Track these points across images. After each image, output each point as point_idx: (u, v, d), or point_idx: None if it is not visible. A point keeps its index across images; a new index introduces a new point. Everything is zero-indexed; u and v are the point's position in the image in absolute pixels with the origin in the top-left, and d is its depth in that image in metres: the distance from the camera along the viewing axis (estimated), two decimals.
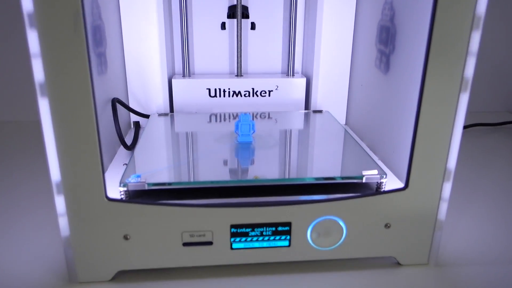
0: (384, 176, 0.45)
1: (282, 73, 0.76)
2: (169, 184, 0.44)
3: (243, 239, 0.42)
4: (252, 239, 0.42)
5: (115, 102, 0.56)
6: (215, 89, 0.70)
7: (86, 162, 0.37)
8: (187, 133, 0.60)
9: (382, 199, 0.42)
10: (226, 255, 0.43)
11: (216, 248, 0.42)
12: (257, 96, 0.72)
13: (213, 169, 0.48)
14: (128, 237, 0.41)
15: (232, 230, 0.42)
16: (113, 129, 0.55)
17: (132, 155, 0.51)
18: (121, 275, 0.44)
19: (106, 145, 0.53)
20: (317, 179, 0.45)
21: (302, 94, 0.72)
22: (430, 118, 0.39)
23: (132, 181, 0.43)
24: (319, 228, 0.42)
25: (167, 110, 0.70)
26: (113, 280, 0.43)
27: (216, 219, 0.41)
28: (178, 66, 0.74)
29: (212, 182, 0.45)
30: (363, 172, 0.46)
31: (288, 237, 0.42)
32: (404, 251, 0.45)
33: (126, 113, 0.69)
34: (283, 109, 0.72)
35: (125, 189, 0.43)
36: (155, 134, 0.59)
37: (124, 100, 0.66)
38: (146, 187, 0.44)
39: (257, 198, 0.44)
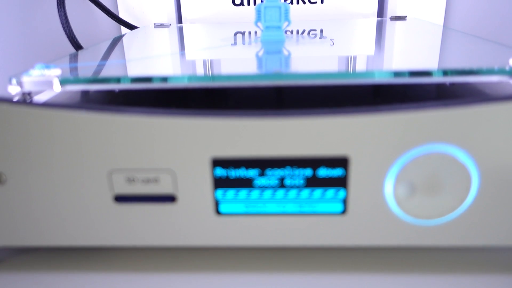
0: None
1: None
2: (105, 80, 0.22)
3: (241, 193, 0.19)
4: (260, 194, 0.19)
5: None
6: None
7: None
8: (182, 41, 0.38)
9: None
10: (205, 229, 0.20)
11: (184, 211, 0.20)
12: (304, 3, 0.48)
13: (193, 65, 0.26)
14: (4, 177, 0.20)
15: (217, 171, 0.19)
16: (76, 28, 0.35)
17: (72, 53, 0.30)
18: (7, 256, 0.23)
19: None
20: (397, 74, 0.22)
21: None
22: None
23: (33, 73, 0.22)
24: (415, 173, 0.18)
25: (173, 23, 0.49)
26: None
27: (182, 144, 0.18)
28: None
29: (184, 78, 0.23)
30: (511, 60, 0.21)
31: (342, 193, 0.19)
32: None
33: (113, 26, 0.49)
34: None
35: (19, 88, 0.22)
36: (134, 41, 0.38)
37: (112, 9, 0.46)
38: (58, 86, 0.22)
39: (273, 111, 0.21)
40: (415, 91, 0.27)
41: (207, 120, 0.18)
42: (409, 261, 0.21)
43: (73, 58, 0.29)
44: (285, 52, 0.29)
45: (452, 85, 0.27)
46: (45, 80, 0.22)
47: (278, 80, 0.23)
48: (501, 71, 0.21)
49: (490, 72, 0.21)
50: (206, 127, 0.18)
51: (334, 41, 0.35)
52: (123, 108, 0.18)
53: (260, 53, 0.30)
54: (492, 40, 0.29)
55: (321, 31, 0.43)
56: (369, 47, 0.33)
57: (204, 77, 0.24)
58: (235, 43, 0.34)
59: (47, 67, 0.23)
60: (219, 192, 0.19)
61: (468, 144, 0.18)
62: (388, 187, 0.19)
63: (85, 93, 0.29)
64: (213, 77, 0.23)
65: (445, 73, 0.22)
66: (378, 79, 0.22)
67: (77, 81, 0.22)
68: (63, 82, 0.22)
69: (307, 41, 0.34)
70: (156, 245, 0.21)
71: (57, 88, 0.22)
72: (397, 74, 0.22)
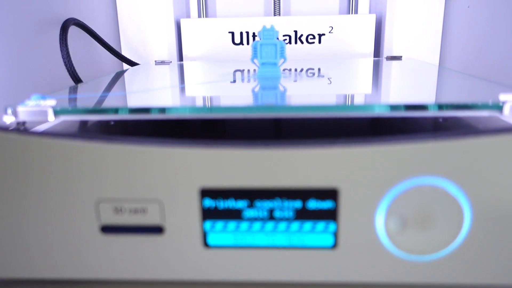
0: None
1: (340, 14, 0.53)
2: (100, 111, 0.23)
3: (230, 225, 0.19)
4: (249, 226, 0.19)
5: (68, 23, 0.36)
6: (241, 33, 0.49)
7: None
8: (182, 77, 0.39)
9: None
10: (193, 261, 0.20)
11: (171, 242, 0.19)
12: (302, 43, 0.49)
13: (187, 100, 0.26)
14: None
15: (206, 202, 0.19)
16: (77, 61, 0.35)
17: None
18: None
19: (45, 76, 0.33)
20: (394, 108, 0.22)
21: (369, 38, 0.48)
22: None
23: (29, 104, 0.23)
24: (406, 206, 0.18)
25: (173, 60, 0.50)
26: None
27: (171, 174, 0.18)
28: (194, 7, 0.53)
29: (180, 109, 0.23)
30: (501, 96, 0.21)
31: (332, 226, 0.19)
32: None
33: (115, 63, 0.50)
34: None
35: (14, 118, 0.22)
36: (133, 76, 0.39)
37: (114, 46, 0.47)
38: (52, 116, 0.22)
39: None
40: (408, 127, 0.28)
41: (196, 150, 0.18)
42: None
43: (72, 90, 0.29)
44: (281, 88, 0.30)
45: (445, 121, 0.27)
46: (40, 110, 0.22)
47: (275, 112, 0.23)
48: (495, 106, 0.21)
49: (484, 107, 0.21)
50: (194, 157, 0.18)
51: (332, 79, 0.36)
52: (111, 137, 0.18)
53: (256, 89, 0.30)
54: (485, 79, 0.29)
55: (319, 70, 0.43)
56: (366, 84, 0.34)
57: (200, 109, 0.24)
58: (232, 79, 0.35)
59: (43, 97, 0.23)
60: (208, 224, 0.19)
61: (459, 177, 0.18)
62: (379, 221, 0.18)
63: (83, 124, 0.29)
64: (209, 109, 0.24)
65: (440, 107, 0.22)
66: (374, 113, 0.22)
67: (72, 111, 0.22)
68: (57, 112, 0.22)
69: (305, 79, 0.35)
70: (143, 278, 0.20)
71: (51, 118, 0.22)
72: (393, 107, 0.22)
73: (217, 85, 0.32)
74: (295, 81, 0.33)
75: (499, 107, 0.21)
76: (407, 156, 0.17)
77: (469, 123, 0.25)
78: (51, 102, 0.23)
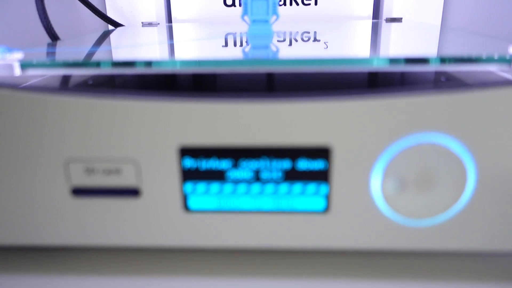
0: None
1: None
2: (73, 64, 0.21)
3: (213, 187, 0.17)
4: (234, 188, 0.17)
5: None
6: None
7: None
8: (170, 37, 0.37)
9: None
10: (172, 226, 0.18)
11: (149, 206, 0.18)
12: (297, 4, 0.47)
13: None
14: None
15: (186, 161, 0.17)
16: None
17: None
18: None
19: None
20: (393, 61, 0.20)
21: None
22: None
23: None
24: (404, 166, 0.17)
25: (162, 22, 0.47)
26: None
27: (147, 131, 0.17)
28: None
29: (164, 63, 0.21)
30: (510, 48, 0.20)
31: (323, 188, 0.17)
32: None
33: (99, 25, 0.47)
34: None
35: None
36: (117, 36, 0.36)
37: (99, 8, 0.44)
38: (18, 70, 0.20)
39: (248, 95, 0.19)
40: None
41: (174, 104, 0.16)
42: (398, 267, 0.19)
43: (48, 46, 0.27)
44: (273, 47, 0.28)
45: (447, 80, 0.25)
46: (5, 64, 0.20)
47: (267, 66, 0.21)
48: (502, 59, 0.19)
49: (489, 60, 0.19)
50: (173, 112, 0.16)
51: (328, 41, 0.34)
52: (80, 89, 0.16)
53: (247, 47, 0.28)
54: (491, 36, 0.27)
55: (315, 32, 0.41)
56: (364, 45, 0.32)
57: (189, 62, 0.22)
58: (223, 37, 0.33)
59: (9, 50, 0.21)
60: (188, 186, 0.17)
61: (463, 134, 0.16)
62: (375, 182, 0.17)
63: (64, 83, 0.27)
64: (198, 63, 0.22)
65: (443, 60, 0.20)
66: (372, 67, 0.20)
67: (39, 65, 0.20)
68: (24, 66, 0.20)
69: (299, 39, 0.33)
70: (118, 244, 0.19)
71: (18, 72, 0.20)
72: (392, 61, 0.20)
73: (206, 42, 0.30)
74: (289, 42, 0.31)
75: (506, 61, 0.19)
76: (406, 111, 0.16)
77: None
78: (18, 55, 0.21)
